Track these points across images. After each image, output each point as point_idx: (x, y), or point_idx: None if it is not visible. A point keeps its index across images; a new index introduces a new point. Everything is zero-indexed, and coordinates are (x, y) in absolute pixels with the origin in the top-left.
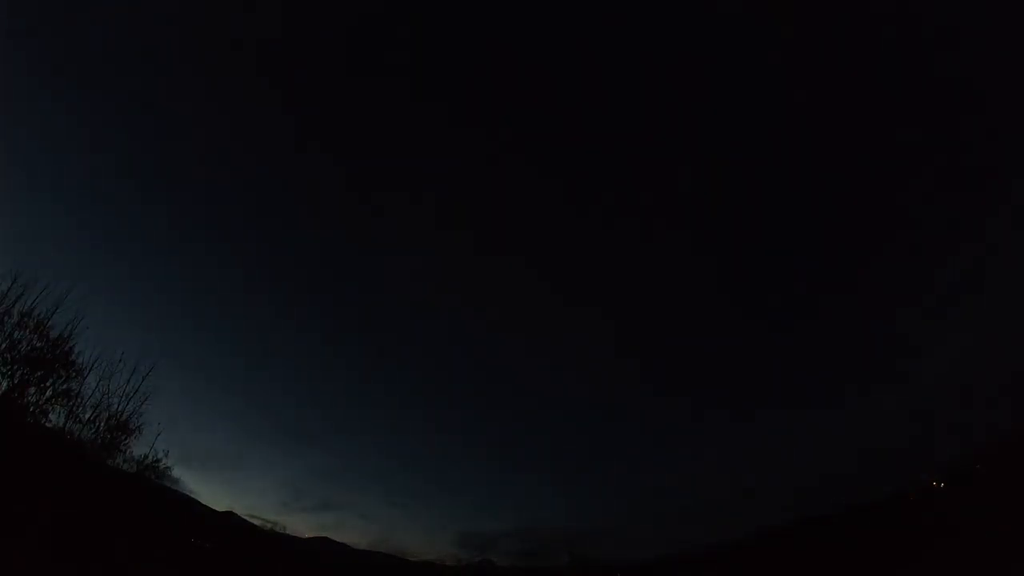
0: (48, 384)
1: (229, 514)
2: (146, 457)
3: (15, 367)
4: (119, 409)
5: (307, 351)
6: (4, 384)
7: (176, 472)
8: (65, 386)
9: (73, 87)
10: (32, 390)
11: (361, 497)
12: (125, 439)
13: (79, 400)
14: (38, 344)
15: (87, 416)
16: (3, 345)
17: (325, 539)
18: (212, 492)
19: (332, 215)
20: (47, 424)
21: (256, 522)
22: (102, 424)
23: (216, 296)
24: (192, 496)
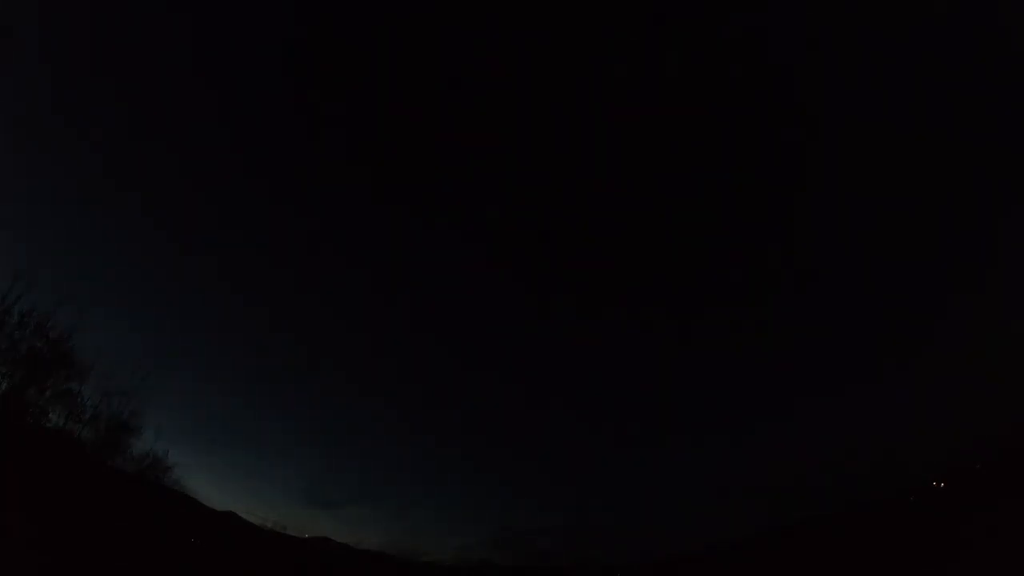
0: (48, 384)
1: (229, 514)
2: (147, 457)
3: (15, 367)
4: (119, 409)
5: (331, 342)
6: (4, 384)
7: (184, 467)
8: (65, 386)
9: (74, 86)
10: (32, 390)
11: (380, 495)
12: (126, 439)
13: (79, 400)
14: (38, 344)
15: (87, 416)
16: (3, 345)
17: (325, 539)
18: (221, 488)
19: (347, 206)
20: (47, 424)
21: (257, 521)
22: (102, 424)
23: (222, 291)
24: (192, 496)
